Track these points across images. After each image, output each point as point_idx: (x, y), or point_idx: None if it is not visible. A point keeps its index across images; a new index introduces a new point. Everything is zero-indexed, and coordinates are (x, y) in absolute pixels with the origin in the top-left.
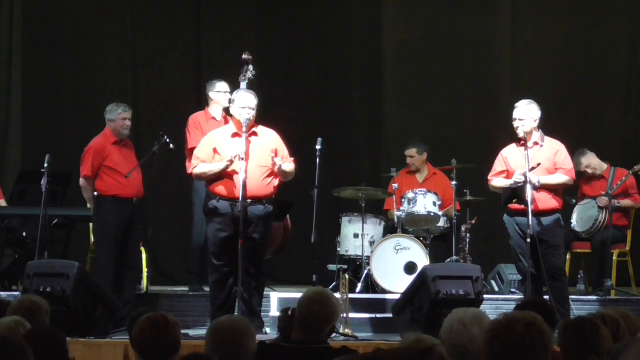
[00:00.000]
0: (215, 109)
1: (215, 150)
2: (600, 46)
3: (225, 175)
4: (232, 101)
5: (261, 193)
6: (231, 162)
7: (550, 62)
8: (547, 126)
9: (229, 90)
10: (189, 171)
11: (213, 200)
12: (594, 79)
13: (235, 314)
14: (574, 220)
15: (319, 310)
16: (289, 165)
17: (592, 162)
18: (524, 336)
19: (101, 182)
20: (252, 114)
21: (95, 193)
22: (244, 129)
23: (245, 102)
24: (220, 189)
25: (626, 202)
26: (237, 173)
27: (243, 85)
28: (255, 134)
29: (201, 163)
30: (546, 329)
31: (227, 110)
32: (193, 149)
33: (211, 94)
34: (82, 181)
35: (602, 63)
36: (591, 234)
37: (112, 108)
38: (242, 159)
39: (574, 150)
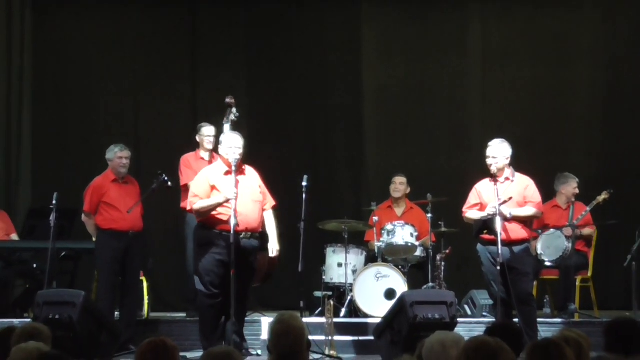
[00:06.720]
0: (203, 151)
1: (213, 188)
2: (564, 89)
3: (224, 209)
4: (220, 142)
5: (257, 226)
6: (227, 200)
7: (518, 103)
8: (515, 162)
9: (212, 134)
10: (188, 207)
11: (212, 233)
12: (558, 118)
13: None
14: (540, 249)
15: (289, 341)
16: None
17: (568, 190)
18: (496, 351)
19: (100, 217)
20: (239, 152)
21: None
22: (234, 167)
23: (233, 142)
24: (219, 222)
25: (586, 231)
26: (235, 208)
27: (227, 126)
28: (243, 171)
29: (200, 200)
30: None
31: (215, 150)
32: (185, 185)
33: (197, 137)
34: (83, 216)
35: (566, 104)
36: (558, 262)
37: (111, 148)
38: (234, 196)
39: (541, 185)
